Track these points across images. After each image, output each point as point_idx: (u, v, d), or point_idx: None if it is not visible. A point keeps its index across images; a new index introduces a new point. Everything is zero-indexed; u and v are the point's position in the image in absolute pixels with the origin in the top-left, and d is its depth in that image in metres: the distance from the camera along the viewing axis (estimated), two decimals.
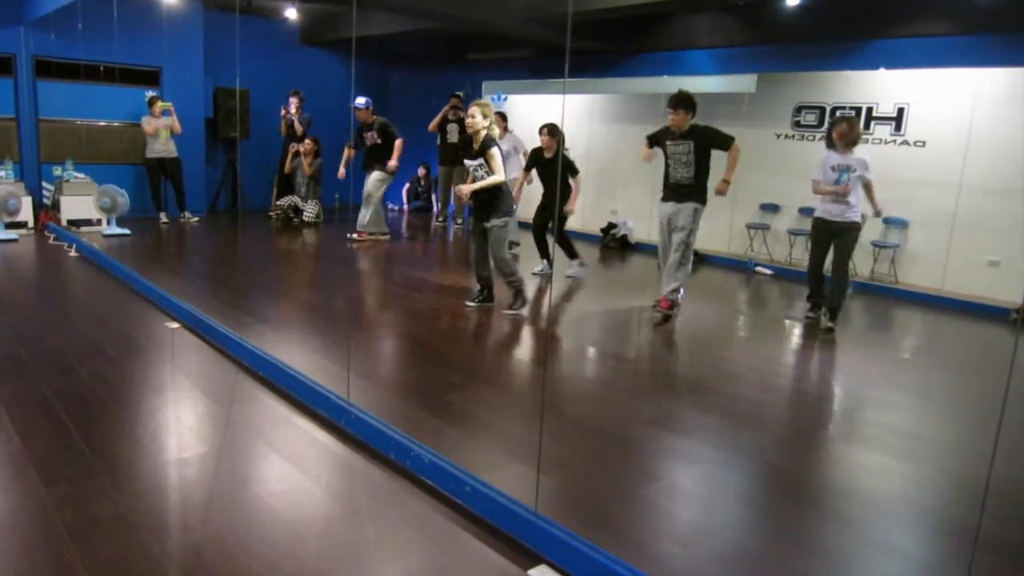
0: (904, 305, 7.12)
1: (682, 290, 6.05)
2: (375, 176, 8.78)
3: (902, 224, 7.65)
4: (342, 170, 8.98)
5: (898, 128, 7.60)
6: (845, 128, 5.71)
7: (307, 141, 9.90)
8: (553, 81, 10.26)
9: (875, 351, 5.63)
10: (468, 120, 5.56)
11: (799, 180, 8.22)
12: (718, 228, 9.02)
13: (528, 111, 10.97)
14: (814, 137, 8.20)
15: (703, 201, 5.89)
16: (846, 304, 6.57)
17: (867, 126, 7.80)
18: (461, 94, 10.36)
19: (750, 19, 8.60)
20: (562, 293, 6.67)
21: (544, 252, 7.28)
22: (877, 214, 5.94)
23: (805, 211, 8.33)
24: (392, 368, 4.66)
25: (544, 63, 10.77)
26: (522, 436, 3.45)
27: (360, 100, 8.78)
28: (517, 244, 8.27)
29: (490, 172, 5.50)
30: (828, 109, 8.09)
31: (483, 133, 5.49)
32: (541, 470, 2.82)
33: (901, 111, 7.56)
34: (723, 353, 5.25)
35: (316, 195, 10.14)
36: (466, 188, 5.60)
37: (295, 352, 4.51)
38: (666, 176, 6.01)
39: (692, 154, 5.80)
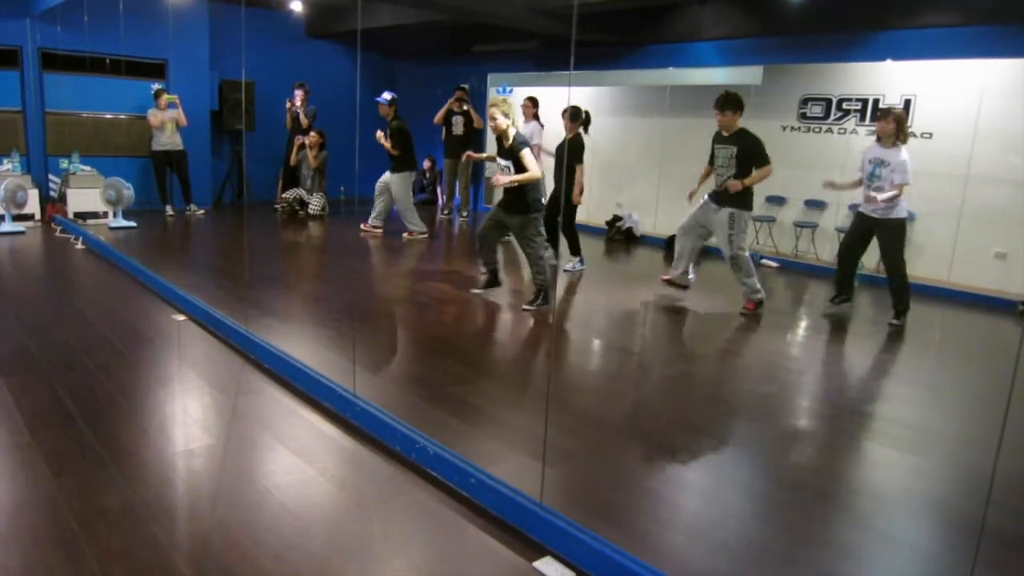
0: (910, 297, 7.08)
1: (757, 286, 5.93)
2: (403, 176, 8.66)
3: (909, 216, 7.60)
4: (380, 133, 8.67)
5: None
6: (882, 124, 5.56)
7: (312, 133, 9.91)
8: (558, 73, 10.24)
9: (881, 343, 5.61)
10: (491, 123, 5.51)
11: (805, 172, 8.21)
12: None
13: None
14: (820, 129, 8.17)
15: (743, 206, 5.76)
16: (855, 296, 6.54)
17: (873, 117, 7.75)
18: (466, 87, 10.34)
19: (756, 10, 8.55)
20: (568, 286, 6.67)
21: (574, 249, 7.19)
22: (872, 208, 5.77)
23: (811, 204, 8.31)
24: (398, 360, 4.67)
25: (549, 55, 10.75)
26: (527, 428, 3.45)
27: (385, 95, 8.65)
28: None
29: (519, 170, 5.45)
30: (834, 101, 8.05)
31: (511, 132, 5.46)
32: (547, 462, 2.83)
33: (908, 103, 7.52)
34: (728, 346, 5.25)
35: (321, 188, 10.14)
36: (504, 179, 5.53)
37: (301, 344, 4.53)
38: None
39: (734, 159, 5.72)
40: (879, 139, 5.64)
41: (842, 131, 8.01)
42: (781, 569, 2.48)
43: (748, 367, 4.71)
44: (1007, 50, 6.94)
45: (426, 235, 8.83)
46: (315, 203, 10.02)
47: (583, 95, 10.38)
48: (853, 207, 6.58)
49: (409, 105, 11.51)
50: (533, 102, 8.88)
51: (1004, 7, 6.86)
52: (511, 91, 11.11)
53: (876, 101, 7.73)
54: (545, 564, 2.39)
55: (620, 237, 9.56)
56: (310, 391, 3.74)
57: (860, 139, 7.87)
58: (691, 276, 6.36)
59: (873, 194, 5.57)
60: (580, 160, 6.87)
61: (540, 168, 5.67)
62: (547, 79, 10.41)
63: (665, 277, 6.44)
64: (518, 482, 2.72)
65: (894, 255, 5.67)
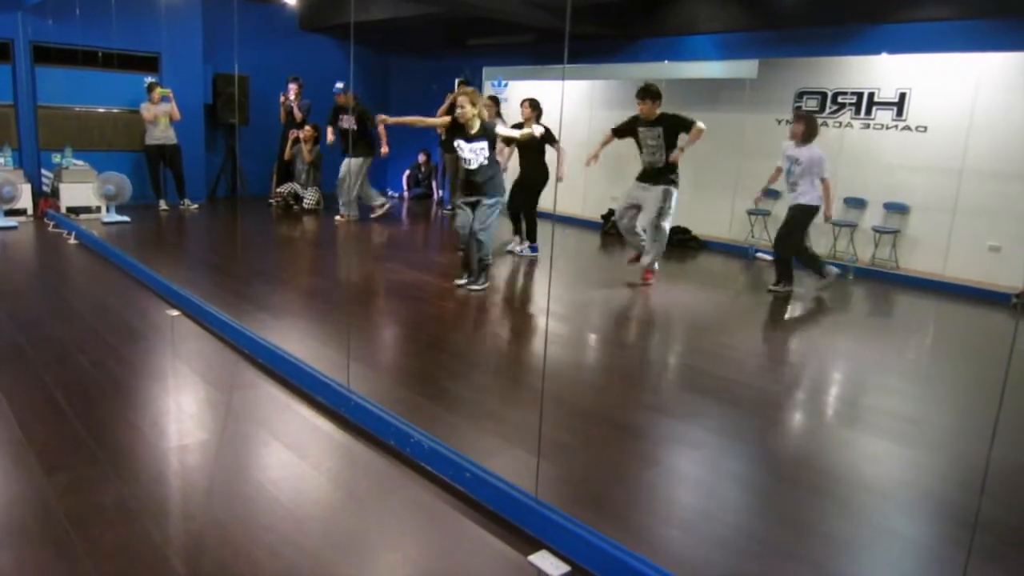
0: (905, 290, 7.12)
1: (656, 263, 6.59)
2: (360, 161, 9.05)
3: (903, 209, 7.63)
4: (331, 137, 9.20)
5: (900, 113, 7.57)
6: (794, 126, 6.27)
7: (307, 128, 9.87)
8: (553, 67, 10.20)
9: (876, 336, 5.62)
10: (459, 111, 5.73)
11: None
12: (719, 214, 9.01)
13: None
14: None
15: (674, 184, 6.36)
16: (846, 289, 6.94)
17: (869, 111, 7.77)
18: (468, 80, 10.32)
19: (751, 4, 8.53)
20: (562, 280, 6.66)
21: (531, 234, 7.66)
22: (826, 218, 6.39)
23: None
24: (392, 355, 4.66)
25: (545, 49, 10.70)
26: (522, 422, 3.45)
27: (337, 84, 9.23)
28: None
29: (490, 156, 5.76)
30: (830, 94, 8.05)
31: (476, 121, 5.72)
32: (542, 456, 2.82)
33: (903, 96, 7.52)
34: (723, 339, 5.25)
35: (316, 182, 10.11)
36: (507, 132, 6.05)
37: (295, 339, 4.52)
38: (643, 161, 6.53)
39: (661, 139, 6.29)
40: (793, 139, 6.25)
41: (837, 124, 8.00)
42: (777, 562, 2.48)
43: (742, 360, 4.72)
44: (1002, 44, 6.93)
45: (387, 205, 9.62)
46: (309, 197, 9.99)
47: (579, 89, 10.37)
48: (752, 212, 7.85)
49: (404, 99, 11.50)
50: (495, 101, 8.76)
51: (999, 1, 6.85)
52: (506, 85, 11.09)
53: (871, 94, 7.73)
54: (540, 558, 2.39)
55: (615, 231, 9.51)
56: (304, 386, 3.73)
57: (855, 132, 7.88)
58: (644, 243, 6.69)
59: (799, 198, 6.25)
60: (556, 140, 7.32)
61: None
62: (542, 72, 10.38)
63: (631, 258, 6.86)
64: (513, 476, 2.71)
65: (794, 232, 6.40)
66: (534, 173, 7.50)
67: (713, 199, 9.04)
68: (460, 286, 5.99)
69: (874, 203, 7.85)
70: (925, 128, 7.43)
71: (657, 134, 6.31)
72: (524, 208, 7.60)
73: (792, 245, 6.44)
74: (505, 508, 2.61)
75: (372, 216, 9.43)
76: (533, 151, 7.37)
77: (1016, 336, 3.90)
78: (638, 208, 6.53)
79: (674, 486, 3.02)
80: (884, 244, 7.74)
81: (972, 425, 3.80)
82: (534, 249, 7.60)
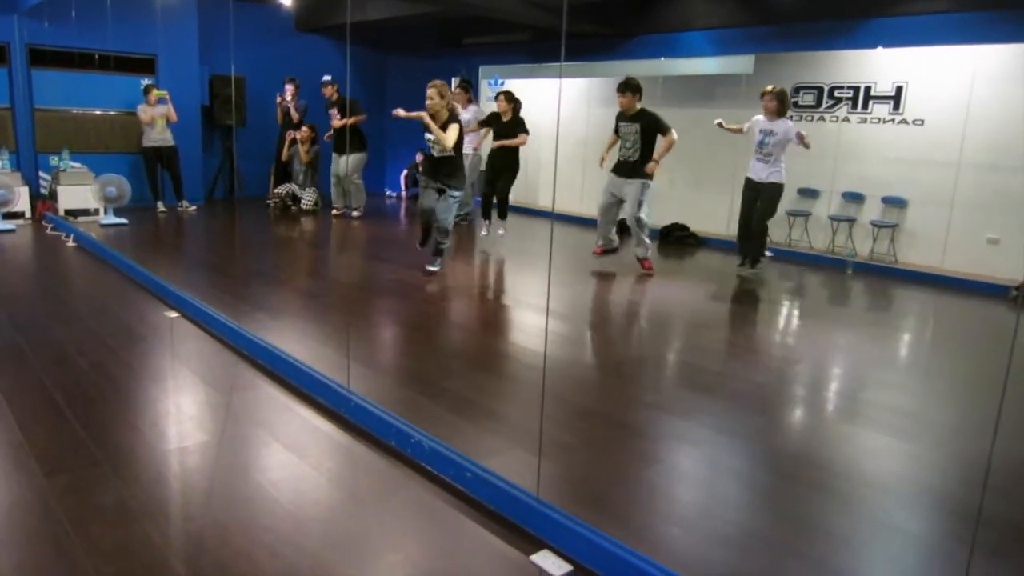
0: (904, 284, 7.12)
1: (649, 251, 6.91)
2: (357, 158, 9.33)
3: (901, 203, 7.62)
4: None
5: (896, 107, 7.56)
6: (766, 101, 6.56)
7: (304, 128, 9.86)
8: (550, 65, 10.20)
9: (875, 331, 5.62)
10: (428, 103, 5.98)
11: (797, 161, 8.20)
12: (718, 211, 9.00)
13: (525, 95, 10.90)
14: (812, 117, 8.16)
15: (649, 177, 6.65)
16: (846, 284, 6.98)
17: (865, 105, 7.76)
18: (469, 79, 10.32)
19: None
20: (561, 278, 6.66)
21: (488, 215, 8.27)
22: (806, 145, 6.54)
23: (804, 192, 8.31)
24: (391, 355, 4.66)
25: (541, 47, 10.70)
26: (522, 421, 3.45)
27: (325, 77, 9.50)
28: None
29: (443, 146, 6.02)
30: (826, 89, 8.04)
31: (444, 112, 5.99)
32: (543, 455, 2.82)
33: (900, 89, 7.52)
34: (722, 334, 5.25)
35: (314, 182, 10.10)
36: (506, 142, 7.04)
37: (294, 340, 4.51)
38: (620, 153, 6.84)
39: (638, 135, 6.55)
40: (766, 113, 6.61)
41: (834, 119, 8.00)
42: (779, 559, 2.48)
43: (741, 356, 4.71)
44: (997, 35, 6.93)
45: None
46: (307, 198, 9.98)
47: (576, 87, 10.36)
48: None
49: (401, 99, 11.43)
50: (465, 88, 9.31)
51: None
52: (503, 83, 11.07)
53: (868, 89, 7.73)
54: (542, 558, 2.39)
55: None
56: (304, 386, 3.73)
57: (852, 126, 7.87)
58: (615, 240, 7.18)
59: (769, 170, 6.64)
60: (526, 131, 7.99)
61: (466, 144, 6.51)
62: (539, 71, 10.37)
63: (596, 250, 7.18)
64: (514, 475, 2.71)
65: (768, 213, 6.75)
66: (510, 160, 8.03)
67: (711, 196, 9.04)
68: (431, 271, 6.39)
69: (872, 197, 7.84)
70: (922, 121, 7.42)
71: (635, 130, 6.56)
72: (502, 191, 8.14)
73: (763, 222, 6.86)
74: (506, 508, 2.61)
75: (352, 216, 9.53)
76: (508, 139, 7.94)
77: (1017, 329, 3.90)
78: (620, 200, 6.80)
79: (675, 484, 3.02)
80: (882, 238, 7.74)
81: (973, 419, 3.80)
82: (503, 232, 8.24)
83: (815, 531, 2.66)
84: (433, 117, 5.99)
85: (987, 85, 6.99)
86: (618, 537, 2.35)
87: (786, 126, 6.54)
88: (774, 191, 6.67)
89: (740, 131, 6.88)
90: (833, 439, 3.54)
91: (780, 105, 6.55)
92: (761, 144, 6.64)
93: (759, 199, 6.74)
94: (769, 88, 6.65)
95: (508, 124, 7.96)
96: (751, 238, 6.88)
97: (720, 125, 7.00)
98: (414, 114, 6.22)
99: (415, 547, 2.48)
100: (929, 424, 3.74)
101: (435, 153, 6.11)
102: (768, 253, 7.25)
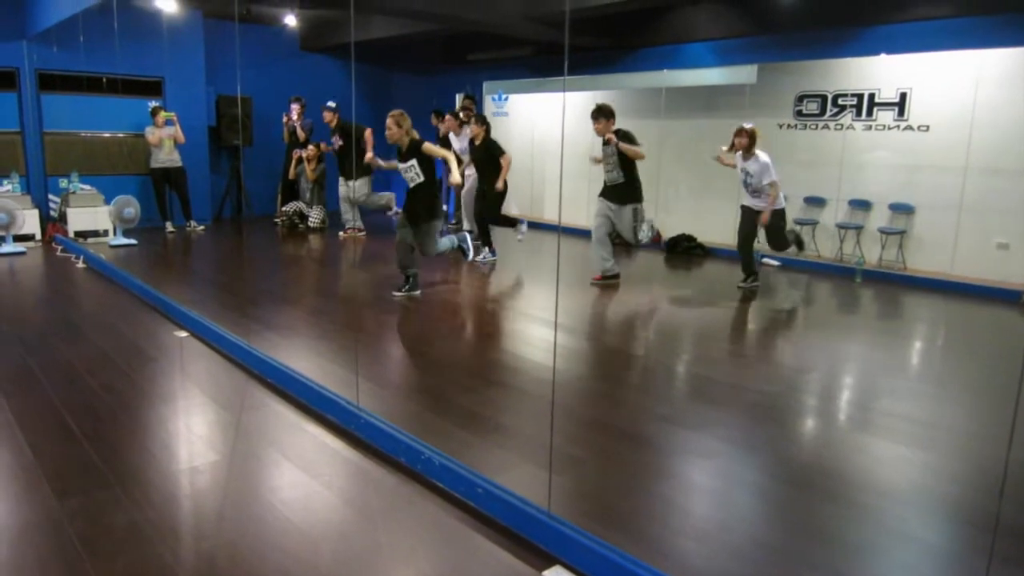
0: (913, 291, 7.08)
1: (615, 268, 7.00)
2: (362, 182, 9.30)
3: (908, 210, 7.60)
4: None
5: (901, 113, 7.55)
6: (737, 140, 6.58)
7: (310, 147, 9.92)
8: (553, 79, 10.23)
9: (886, 339, 5.59)
10: (387, 132, 5.99)
11: (803, 170, 8.21)
12: (723, 220, 8.98)
13: (529, 110, 10.96)
14: (816, 126, 8.16)
15: (638, 199, 6.70)
16: (855, 292, 7.04)
17: (870, 112, 7.75)
18: (473, 95, 10.37)
19: (749, 10, 8.56)
20: (564, 291, 6.65)
21: (486, 240, 8.00)
22: (762, 223, 6.63)
23: (811, 200, 8.30)
24: (400, 371, 4.66)
25: (544, 61, 10.75)
26: (532, 435, 3.43)
27: (330, 103, 9.47)
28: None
29: (421, 173, 5.99)
30: (830, 97, 8.04)
31: (406, 139, 5.97)
32: (553, 469, 2.81)
33: (904, 96, 7.51)
34: (732, 345, 5.23)
35: (321, 200, 10.15)
36: (456, 178, 6.23)
37: (303, 358, 4.51)
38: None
39: (616, 157, 6.60)
40: (740, 150, 6.59)
41: (839, 127, 7.99)
42: (795, 571, 2.45)
43: (751, 366, 4.69)
44: (1000, 40, 6.93)
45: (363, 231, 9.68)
46: (315, 216, 10.02)
47: (579, 100, 10.36)
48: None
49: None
50: (455, 116, 9.37)
51: None
52: (507, 98, 11.13)
53: (872, 95, 7.72)
54: (554, 573, 2.37)
55: (619, 241, 9.51)
56: (314, 404, 3.73)
57: (857, 134, 7.86)
58: (615, 268, 7.01)
59: (759, 203, 6.63)
60: (502, 152, 7.79)
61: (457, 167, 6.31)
62: (542, 85, 10.41)
63: (596, 277, 6.95)
64: (525, 491, 2.70)
65: (779, 236, 6.84)
66: (492, 184, 7.84)
67: (717, 206, 9.03)
68: (398, 297, 6.20)
69: (879, 204, 7.82)
70: (927, 127, 7.41)
71: (612, 152, 6.62)
72: (487, 216, 7.95)
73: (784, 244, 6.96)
74: (518, 523, 2.59)
75: (342, 234, 9.52)
76: (489, 164, 7.80)
77: None
78: (610, 224, 6.85)
79: (688, 496, 2.99)
80: (891, 245, 7.70)
81: (987, 427, 3.76)
82: (494, 253, 7.99)
83: (831, 542, 2.63)
84: (398, 148, 6.06)
85: (991, 89, 6.98)
86: (631, 551, 2.33)
87: (758, 165, 6.52)
88: (776, 217, 6.65)
89: (734, 166, 6.82)
90: (846, 449, 3.51)
91: (750, 142, 6.55)
92: (745, 184, 6.68)
93: (766, 225, 6.74)
94: (740, 127, 6.67)
95: (479, 148, 7.92)
96: (750, 260, 6.91)
97: (719, 160, 6.98)
98: (388, 165, 6.54)
99: (426, 564, 2.46)
100: (943, 432, 3.71)
101: (410, 185, 6.10)
102: (776, 263, 7.24)
